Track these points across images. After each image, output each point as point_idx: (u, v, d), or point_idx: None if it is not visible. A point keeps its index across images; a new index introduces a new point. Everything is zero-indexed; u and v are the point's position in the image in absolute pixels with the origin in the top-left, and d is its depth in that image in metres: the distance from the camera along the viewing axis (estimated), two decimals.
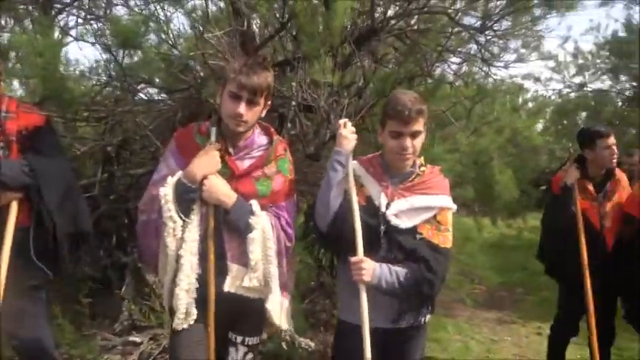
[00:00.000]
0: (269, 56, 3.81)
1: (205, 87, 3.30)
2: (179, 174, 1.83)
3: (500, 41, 4.25)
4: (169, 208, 1.79)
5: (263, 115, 1.94)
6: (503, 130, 5.80)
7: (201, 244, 1.84)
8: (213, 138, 1.87)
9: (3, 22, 4.02)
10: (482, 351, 4.18)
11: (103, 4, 3.95)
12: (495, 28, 3.87)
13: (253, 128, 1.94)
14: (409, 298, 1.88)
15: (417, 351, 2.02)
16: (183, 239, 1.82)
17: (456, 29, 3.94)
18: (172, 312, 1.88)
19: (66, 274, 2.24)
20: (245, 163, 1.91)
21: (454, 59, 4.45)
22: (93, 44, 3.43)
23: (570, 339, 3.21)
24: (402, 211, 1.91)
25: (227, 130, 1.89)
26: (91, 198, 3.49)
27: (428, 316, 2.04)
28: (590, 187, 2.94)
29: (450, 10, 3.81)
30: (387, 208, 1.92)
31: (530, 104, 8.81)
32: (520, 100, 8.35)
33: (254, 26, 3.64)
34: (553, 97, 10.20)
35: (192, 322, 1.84)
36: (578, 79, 9.88)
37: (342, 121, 2.00)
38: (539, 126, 9.17)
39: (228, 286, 1.86)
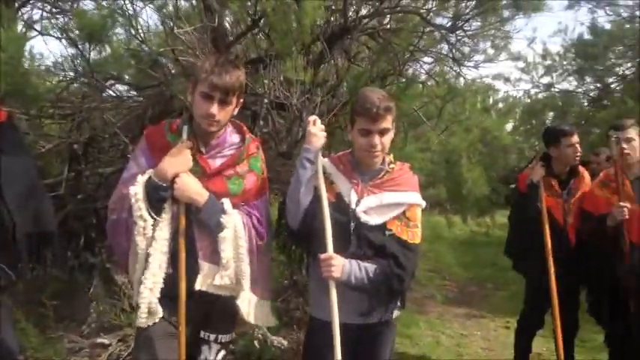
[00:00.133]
0: (241, 53, 3.78)
1: (176, 84, 3.26)
2: (149, 172, 1.81)
3: (471, 41, 4.33)
4: (140, 207, 1.77)
5: (235, 113, 1.93)
6: (473, 130, 5.90)
7: (172, 243, 1.82)
8: (184, 136, 1.85)
9: None
10: (452, 345, 4.26)
11: None
12: (466, 28, 3.94)
13: (225, 127, 1.93)
14: (378, 293, 1.90)
15: (387, 346, 2.04)
16: (154, 238, 1.80)
17: (428, 29, 3.98)
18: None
19: (27, 275, 2.17)
20: (217, 162, 1.90)
21: (426, 59, 4.51)
22: (59, 39, 3.34)
23: (536, 332, 3.31)
24: (372, 207, 1.93)
25: (199, 128, 1.88)
26: (56, 197, 3.39)
27: (397, 312, 2.06)
28: (555, 184, 3.04)
29: (421, 10, 3.86)
30: (356, 204, 1.93)
31: (500, 104, 9.01)
32: (491, 100, 8.52)
33: (226, 23, 3.61)
34: (522, 98, 10.44)
35: (157, 321, 1.82)
36: (546, 80, 10.12)
37: (311, 119, 2.01)
38: (509, 125, 9.38)
39: (199, 285, 1.84)
